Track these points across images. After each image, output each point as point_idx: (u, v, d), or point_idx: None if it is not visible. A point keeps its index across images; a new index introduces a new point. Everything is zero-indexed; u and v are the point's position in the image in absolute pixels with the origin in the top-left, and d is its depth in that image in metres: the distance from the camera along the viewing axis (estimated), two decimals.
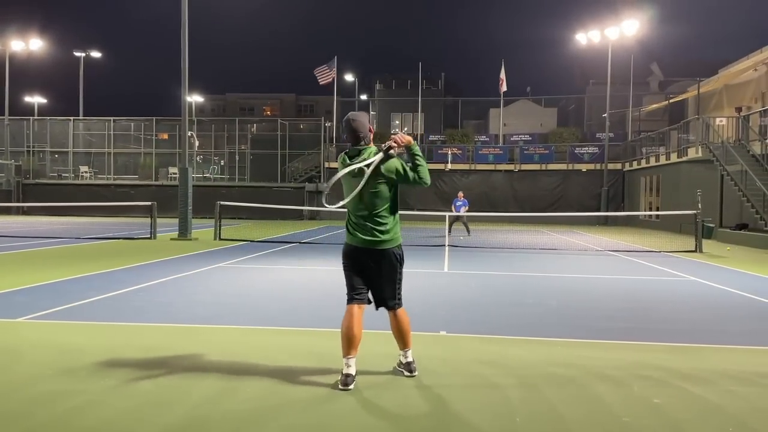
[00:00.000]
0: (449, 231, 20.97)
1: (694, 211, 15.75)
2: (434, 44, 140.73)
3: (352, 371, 4.14)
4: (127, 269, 10.36)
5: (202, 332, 5.76)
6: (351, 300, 4.29)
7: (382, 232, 4.25)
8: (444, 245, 15.92)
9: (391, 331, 4.45)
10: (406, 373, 4.42)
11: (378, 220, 4.26)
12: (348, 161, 4.29)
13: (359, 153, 4.28)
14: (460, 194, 21.99)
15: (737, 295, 8.55)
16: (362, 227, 4.27)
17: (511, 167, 33.70)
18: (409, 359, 4.46)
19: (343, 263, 4.37)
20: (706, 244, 15.90)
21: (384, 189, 4.25)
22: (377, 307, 4.39)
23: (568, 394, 4.11)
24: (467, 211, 20.90)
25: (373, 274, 4.29)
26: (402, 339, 4.42)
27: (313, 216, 31.75)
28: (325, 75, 38.00)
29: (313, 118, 43.11)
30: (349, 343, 4.15)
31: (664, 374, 4.58)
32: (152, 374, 4.42)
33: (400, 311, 4.37)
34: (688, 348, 5.51)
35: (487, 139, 39.84)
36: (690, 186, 23.15)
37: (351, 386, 4.08)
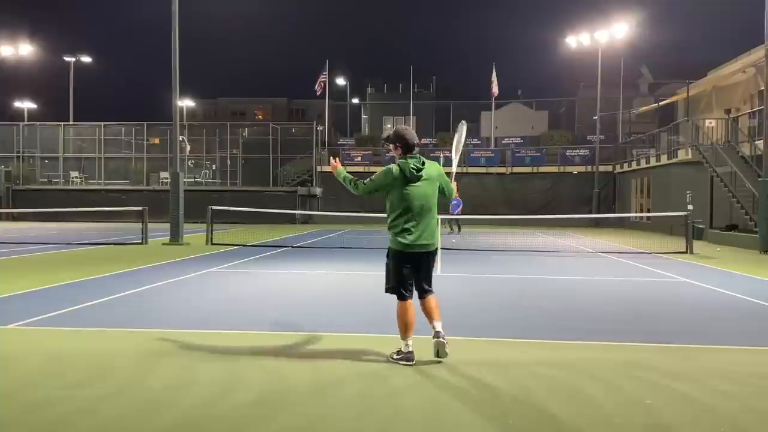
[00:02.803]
0: (451, 230, 21.12)
1: (685, 213, 15.86)
2: (426, 48, 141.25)
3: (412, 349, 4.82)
4: (119, 275, 10.31)
5: (195, 337, 5.75)
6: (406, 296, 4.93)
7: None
8: (437, 247, 15.91)
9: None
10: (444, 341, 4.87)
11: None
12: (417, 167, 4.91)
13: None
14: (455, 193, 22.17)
15: (728, 296, 8.61)
16: (424, 232, 4.98)
17: (502, 170, 33.81)
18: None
19: (397, 265, 4.89)
20: (697, 245, 16.00)
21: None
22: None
23: (560, 395, 4.13)
24: (462, 211, 21.08)
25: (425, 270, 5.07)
26: (433, 316, 4.97)
27: (306, 220, 31.71)
28: (320, 83, 38.20)
29: (305, 122, 43.06)
30: (409, 328, 4.84)
31: (655, 375, 4.61)
32: (144, 380, 4.40)
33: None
34: (680, 348, 5.55)
35: (479, 142, 39.97)
36: (680, 187, 23.30)
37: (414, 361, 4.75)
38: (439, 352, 4.81)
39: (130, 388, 4.22)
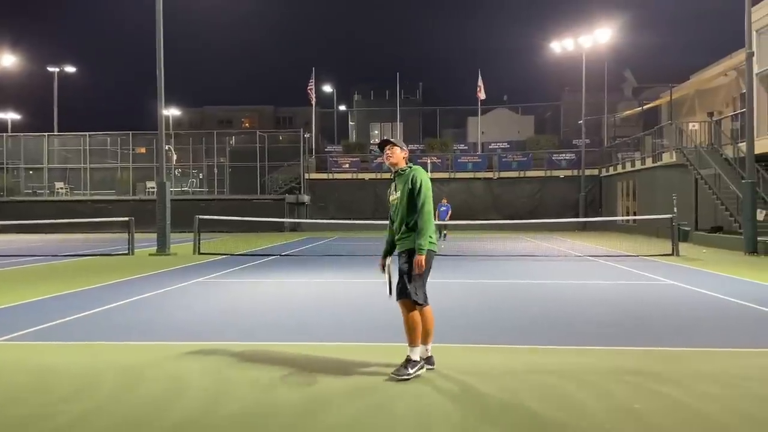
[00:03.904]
0: (440, 236, 21.19)
1: (670, 215, 16.00)
2: (411, 54, 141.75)
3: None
4: (105, 286, 10.21)
5: (182, 349, 5.70)
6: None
7: None
8: None
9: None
10: (427, 367, 4.81)
11: None
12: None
13: None
14: (444, 199, 22.16)
15: (714, 298, 8.69)
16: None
17: (490, 175, 33.97)
18: (428, 354, 4.91)
19: (429, 268, 4.80)
20: (683, 247, 16.14)
21: None
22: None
23: (549, 401, 4.13)
24: (450, 217, 21.17)
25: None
26: (430, 333, 4.87)
27: (294, 228, 31.63)
28: (309, 91, 38.31)
29: (292, 129, 43.02)
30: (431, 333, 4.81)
31: (643, 379, 4.63)
32: (132, 393, 4.36)
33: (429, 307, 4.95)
34: (667, 351, 5.58)
35: (466, 147, 40.20)
36: (665, 190, 23.55)
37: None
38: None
39: (116, 402, 4.18)
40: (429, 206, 4.74)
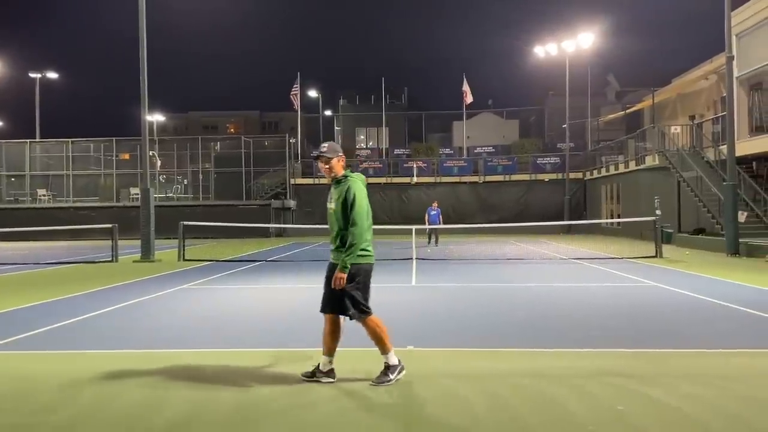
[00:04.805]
0: (429, 241, 21.04)
1: (654, 218, 16.15)
2: (397, 59, 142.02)
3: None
4: (88, 294, 10.10)
5: (165, 357, 5.64)
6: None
7: None
8: (411, 258, 15.96)
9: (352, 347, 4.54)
10: (326, 380, 4.68)
11: None
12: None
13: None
14: (435, 204, 21.93)
15: (696, 299, 8.77)
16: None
17: (475, 179, 34.11)
18: (331, 366, 4.78)
19: (366, 282, 4.67)
20: (666, 249, 16.29)
21: None
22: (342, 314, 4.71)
23: (533, 404, 4.15)
24: (440, 220, 21.03)
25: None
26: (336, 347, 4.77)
27: (280, 233, 31.52)
28: (293, 96, 38.25)
29: (278, 134, 42.87)
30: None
31: (626, 381, 4.66)
32: (114, 403, 4.31)
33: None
34: (650, 353, 5.62)
35: (452, 151, 40.30)
36: (649, 193, 23.77)
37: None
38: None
39: (97, 412, 4.12)
40: (361, 221, 4.51)
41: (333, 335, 4.71)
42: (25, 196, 34.82)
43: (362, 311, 4.61)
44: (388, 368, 4.63)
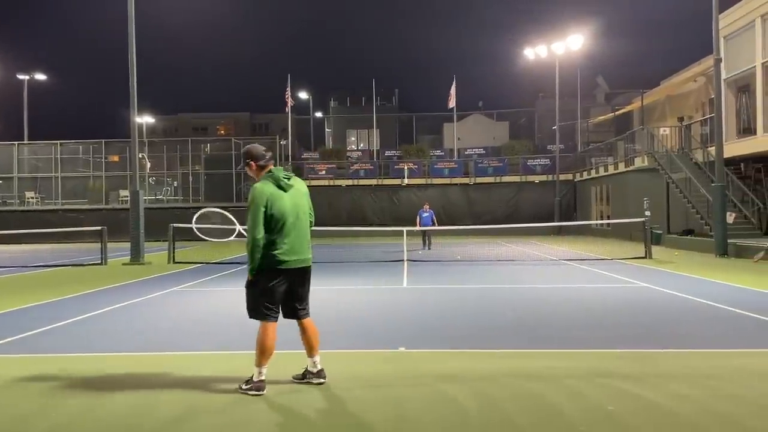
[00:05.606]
0: (424, 244, 20.65)
1: (643, 219, 16.23)
2: (387, 61, 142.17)
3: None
4: (77, 297, 10.01)
5: (154, 361, 5.61)
6: (274, 318, 4.59)
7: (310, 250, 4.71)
8: (402, 260, 15.95)
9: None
10: (316, 381, 4.65)
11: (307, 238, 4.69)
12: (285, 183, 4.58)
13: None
14: (426, 205, 21.59)
15: (685, 300, 8.83)
16: (300, 247, 4.59)
17: (466, 180, 34.16)
18: (319, 366, 4.72)
19: (267, 286, 4.52)
20: (655, 250, 16.38)
21: None
22: (293, 318, 4.72)
23: (524, 404, 4.15)
24: (434, 222, 20.71)
25: (300, 289, 4.67)
26: (314, 345, 4.71)
27: None
28: (287, 99, 38.22)
29: (268, 136, 42.77)
30: (270, 354, 4.54)
31: (617, 381, 4.68)
32: (103, 407, 4.27)
33: (310, 319, 4.76)
34: (640, 353, 5.65)
35: (442, 153, 40.36)
36: (638, 194, 23.90)
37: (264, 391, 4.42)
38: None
39: (84, 416, 4.09)
40: (255, 230, 4.40)
41: (302, 336, 4.75)
42: (13, 198, 34.51)
43: (250, 314, 4.63)
44: (251, 378, 4.52)
